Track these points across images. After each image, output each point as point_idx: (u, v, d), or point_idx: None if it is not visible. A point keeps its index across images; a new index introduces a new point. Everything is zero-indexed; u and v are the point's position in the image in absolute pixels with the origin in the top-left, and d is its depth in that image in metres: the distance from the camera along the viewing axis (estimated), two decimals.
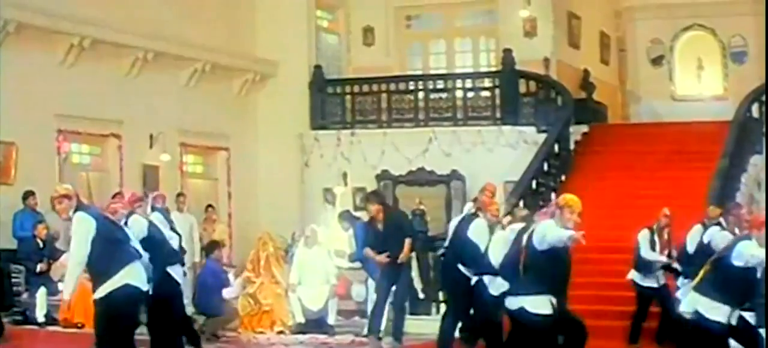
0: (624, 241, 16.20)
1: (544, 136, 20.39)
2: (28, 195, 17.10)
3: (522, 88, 21.43)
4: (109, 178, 19.85)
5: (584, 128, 21.29)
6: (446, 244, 13.87)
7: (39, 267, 16.24)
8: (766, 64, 17.58)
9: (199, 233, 18.75)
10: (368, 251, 14.50)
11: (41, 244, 16.51)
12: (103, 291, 9.33)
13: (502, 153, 20.88)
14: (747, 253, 9.79)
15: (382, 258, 13.99)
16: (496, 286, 11.75)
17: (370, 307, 14.98)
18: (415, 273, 15.34)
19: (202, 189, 21.89)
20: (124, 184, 19.78)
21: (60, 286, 15.90)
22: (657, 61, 24.90)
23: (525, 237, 9.97)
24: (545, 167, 19.35)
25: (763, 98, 19.29)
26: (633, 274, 14.61)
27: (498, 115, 21.37)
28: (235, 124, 22.23)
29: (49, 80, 18.26)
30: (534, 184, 18.96)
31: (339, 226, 19.31)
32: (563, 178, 19.77)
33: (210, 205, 20.24)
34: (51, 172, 18.43)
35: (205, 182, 22.16)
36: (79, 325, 15.82)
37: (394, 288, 14.07)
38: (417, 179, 21.36)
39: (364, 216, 16.22)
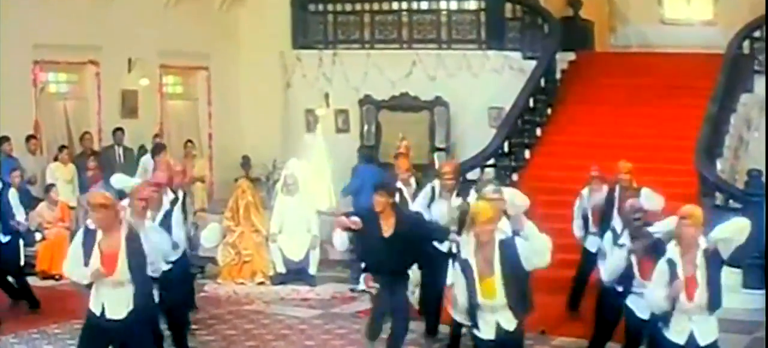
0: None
1: (529, 62, 20.05)
2: (2, 141, 16.75)
3: (508, 13, 20.98)
4: (87, 106, 19.53)
5: (571, 56, 20.92)
6: None
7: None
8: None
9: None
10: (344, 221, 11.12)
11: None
12: None
13: (487, 78, 20.52)
14: None
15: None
16: None
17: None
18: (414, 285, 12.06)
19: (182, 110, 21.57)
20: (101, 111, 19.58)
21: (37, 236, 15.81)
22: None
23: None
24: (531, 103, 19.02)
25: (755, 34, 18.91)
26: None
27: (483, 38, 20.93)
28: (215, 44, 21.75)
29: (24, 11, 17.76)
30: (520, 123, 18.63)
31: (320, 162, 19.22)
32: (549, 111, 19.47)
33: (189, 141, 19.91)
34: (28, 106, 18.14)
35: (185, 103, 21.83)
36: (57, 277, 15.69)
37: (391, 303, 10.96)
38: (400, 104, 21.04)
39: None
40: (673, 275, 8.42)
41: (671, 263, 8.50)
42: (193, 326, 13.18)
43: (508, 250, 8.38)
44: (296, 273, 15.92)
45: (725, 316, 12.38)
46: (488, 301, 8.40)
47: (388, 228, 10.61)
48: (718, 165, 17.08)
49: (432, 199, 12.50)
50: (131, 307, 8.84)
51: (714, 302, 8.50)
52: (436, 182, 12.63)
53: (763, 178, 15.02)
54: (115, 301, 8.84)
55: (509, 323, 8.48)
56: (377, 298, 10.91)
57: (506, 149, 18.16)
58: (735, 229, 8.94)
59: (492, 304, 8.42)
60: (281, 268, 15.89)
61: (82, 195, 16.69)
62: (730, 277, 14.39)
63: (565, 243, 14.75)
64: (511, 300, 8.39)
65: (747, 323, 13.45)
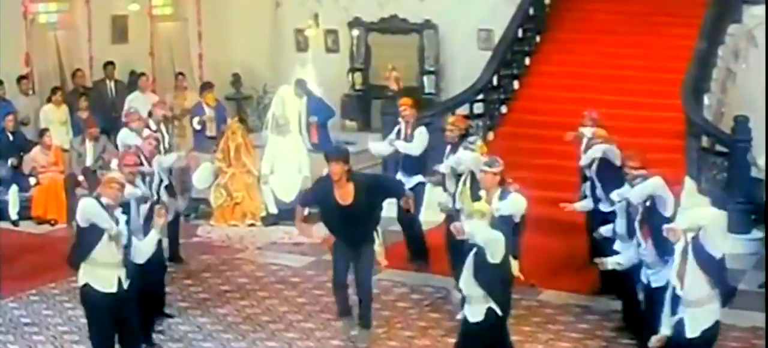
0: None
1: None
2: None
3: None
4: (78, 35, 19.50)
5: None
6: None
7: (10, 162, 16.12)
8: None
9: (170, 103, 18.56)
10: (307, 229, 11.29)
11: (11, 137, 16.33)
12: None
13: (476, 0, 20.42)
14: None
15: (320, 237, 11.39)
16: None
17: None
18: (379, 246, 11.24)
19: (171, 32, 21.51)
20: (92, 39, 19.58)
21: (32, 181, 15.99)
22: None
23: None
24: (520, 33, 19.02)
25: None
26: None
27: None
28: None
29: None
30: (509, 54, 18.66)
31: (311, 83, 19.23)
32: (538, 39, 19.46)
33: (180, 73, 19.92)
34: (18, 40, 18.14)
35: (175, 24, 21.73)
36: (52, 221, 15.91)
37: (354, 266, 11.06)
38: (390, 27, 21.03)
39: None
40: None
41: None
42: (187, 280, 13.54)
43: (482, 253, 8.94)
44: (288, 213, 16.07)
45: None
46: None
47: (346, 196, 10.44)
48: (706, 100, 17.16)
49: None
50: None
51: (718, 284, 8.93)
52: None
53: (750, 124, 15.12)
54: (123, 274, 9.35)
55: (475, 315, 9.09)
56: (336, 265, 10.96)
57: (495, 82, 18.14)
58: (713, 218, 9.20)
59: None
60: (273, 209, 16.10)
61: (75, 138, 16.77)
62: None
63: (556, 180, 15.13)
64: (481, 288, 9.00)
65: (731, 272, 13.51)
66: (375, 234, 10.98)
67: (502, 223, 9.74)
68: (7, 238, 15.18)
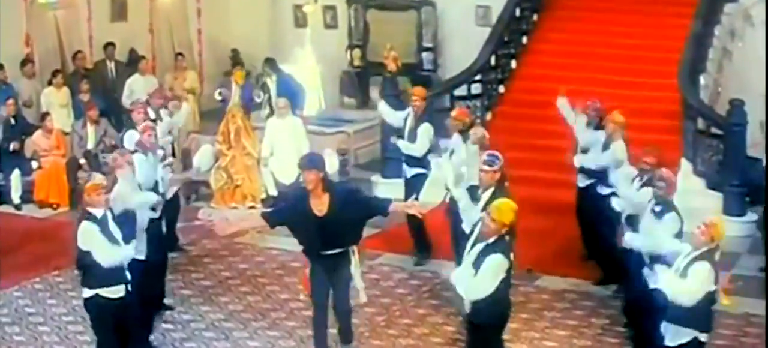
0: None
1: None
2: None
3: None
4: (77, 14, 19.56)
5: None
6: None
7: (12, 146, 16.23)
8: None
9: (170, 84, 18.67)
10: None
11: (13, 121, 16.44)
12: None
13: None
14: None
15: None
16: None
17: None
18: (355, 267, 10.20)
19: (170, 9, 21.54)
20: (92, 18, 19.65)
21: (34, 164, 16.12)
22: None
23: None
24: (517, 13, 19.09)
25: None
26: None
27: None
28: None
29: None
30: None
31: (309, 67, 19.39)
32: (535, 18, 19.54)
33: (179, 53, 20.00)
34: (19, 22, 18.22)
35: (174, 0, 21.74)
36: (55, 205, 16.06)
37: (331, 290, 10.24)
38: (388, 3, 21.05)
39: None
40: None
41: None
42: (189, 267, 13.70)
43: (484, 255, 8.73)
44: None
45: None
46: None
47: (321, 207, 9.69)
48: (702, 80, 17.26)
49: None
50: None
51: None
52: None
53: (746, 108, 15.24)
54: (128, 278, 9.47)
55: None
56: (315, 288, 10.12)
57: (493, 62, 18.24)
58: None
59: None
60: (273, 191, 16.24)
61: (77, 121, 16.89)
62: (711, 202, 15.02)
63: (553, 160, 15.23)
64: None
65: (726, 255, 13.68)
66: (352, 254, 10.06)
67: None
68: (10, 222, 15.36)
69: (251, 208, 16.12)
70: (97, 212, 9.33)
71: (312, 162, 9.81)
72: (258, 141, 16.38)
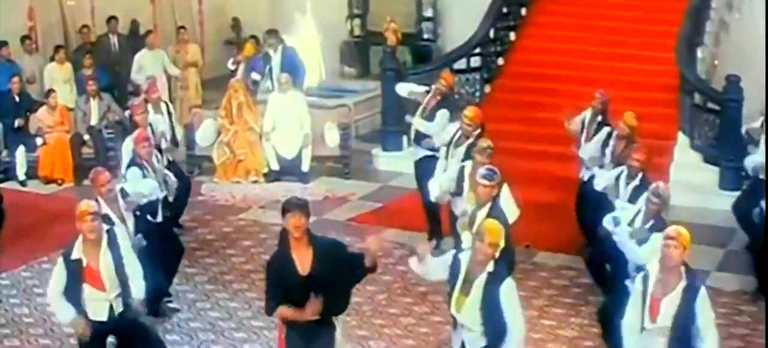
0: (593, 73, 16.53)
1: None
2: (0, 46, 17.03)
3: None
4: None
5: None
6: None
7: (16, 123, 16.38)
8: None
9: (172, 57, 18.81)
10: (283, 310, 8.14)
11: (17, 98, 16.59)
12: None
13: None
14: None
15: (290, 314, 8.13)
16: None
17: None
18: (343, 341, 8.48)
19: None
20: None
21: (38, 141, 16.30)
22: None
23: None
24: None
25: None
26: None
27: None
28: None
29: None
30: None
31: (309, 37, 19.49)
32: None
33: (182, 27, 20.10)
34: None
35: None
36: (59, 181, 16.25)
37: None
38: None
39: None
40: (644, 293, 8.08)
41: (645, 279, 8.11)
42: (194, 244, 13.88)
43: (491, 286, 7.96)
44: (289, 169, 16.45)
45: (698, 220, 13.06)
46: (457, 315, 8.19)
47: (304, 263, 8.05)
48: (699, 53, 17.37)
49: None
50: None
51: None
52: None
53: (742, 84, 15.34)
54: (117, 303, 9.05)
55: (475, 344, 8.16)
56: None
57: (492, 35, 18.36)
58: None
59: (459, 319, 8.19)
60: (275, 166, 16.44)
61: (80, 97, 17.04)
62: (707, 176, 15.19)
63: (552, 133, 15.36)
64: (484, 328, 8.06)
65: (720, 231, 13.96)
66: (336, 322, 8.36)
67: None
68: (16, 198, 15.45)
69: (254, 182, 16.31)
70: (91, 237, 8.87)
71: (301, 207, 8.06)
72: (260, 116, 16.52)
